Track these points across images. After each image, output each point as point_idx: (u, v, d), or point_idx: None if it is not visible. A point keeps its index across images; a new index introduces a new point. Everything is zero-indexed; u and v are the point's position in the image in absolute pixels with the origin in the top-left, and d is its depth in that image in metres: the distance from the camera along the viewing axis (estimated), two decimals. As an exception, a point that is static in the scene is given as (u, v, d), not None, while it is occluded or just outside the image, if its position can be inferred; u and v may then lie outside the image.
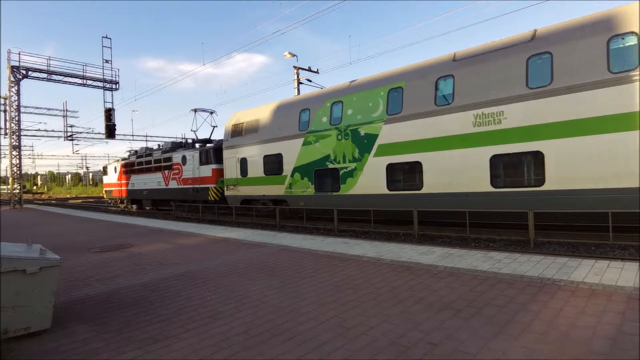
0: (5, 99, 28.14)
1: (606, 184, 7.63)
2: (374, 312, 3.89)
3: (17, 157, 25.63)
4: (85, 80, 26.10)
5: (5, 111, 28.98)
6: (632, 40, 7.50)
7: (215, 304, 4.38)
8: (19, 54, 23.96)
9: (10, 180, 26.68)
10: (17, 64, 23.93)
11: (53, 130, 39.46)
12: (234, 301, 4.45)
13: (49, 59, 24.80)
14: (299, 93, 22.13)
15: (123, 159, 27.04)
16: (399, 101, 10.72)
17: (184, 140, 22.92)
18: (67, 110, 38.70)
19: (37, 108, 37.39)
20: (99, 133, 40.15)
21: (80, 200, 43.99)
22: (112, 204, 29.80)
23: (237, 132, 15.87)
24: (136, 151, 26.61)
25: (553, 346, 2.97)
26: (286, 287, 4.94)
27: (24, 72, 24.40)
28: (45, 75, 24.95)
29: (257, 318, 3.86)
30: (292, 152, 13.44)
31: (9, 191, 26.10)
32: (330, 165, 12.28)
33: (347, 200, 11.88)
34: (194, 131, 21.84)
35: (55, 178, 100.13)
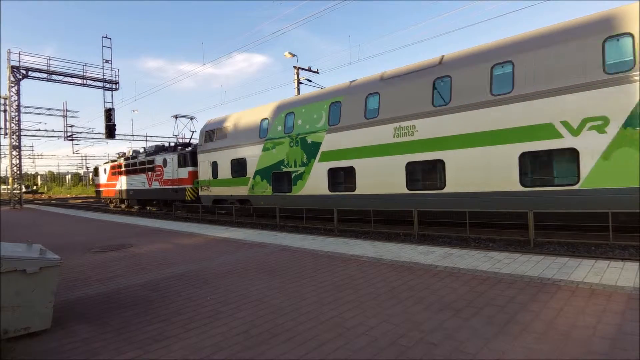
0: (5, 99, 28.16)
1: (488, 188, 9.19)
2: (374, 312, 3.89)
3: (17, 157, 25.63)
4: (85, 80, 26.11)
5: (5, 111, 29.04)
6: (509, 68, 9.03)
7: (215, 304, 4.38)
8: (19, 54, 23.98)
9: (10, 180, 26.69)
10: (17, 64, 23.93)
11: (53, 130, 39.47)
12: (234, 301, 4.45)
13: (49, 59, 24.83)
14: (299, 93, 22.13)
15: (112, 161, 28.53)
16: (338, 114, 12.21)
17: (168, 144, 24.49)
18: (67, 110, 38.73)
19: (37, 108, 37.44)
20: (99, 133, 40.18)
21: (80, 200, 43.99)
22: (105, 203, 30.17)
23: (210, 137, 17.26)
24: (124, 153, 28.25)
25: (553, 346, 2.97)
26: (286, 287, 4.94)
27: (24, 72, 24.40)
28: (45, 75, 24.96)
29: (257, 318, 3.86)
30: (254, 157, 14.93)
31: (9, 191, 26.14)
32: (284, 169, 13.73)
33: (297, 200, 13.32)
34: (176, 135, 24.34)
35: (55, 178, 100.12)
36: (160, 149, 23.37)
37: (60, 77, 25.49)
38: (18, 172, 25.94)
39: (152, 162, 22.36)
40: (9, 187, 26.87)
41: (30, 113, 47.20)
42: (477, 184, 9.32)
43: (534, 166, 8.70)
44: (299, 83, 22.48)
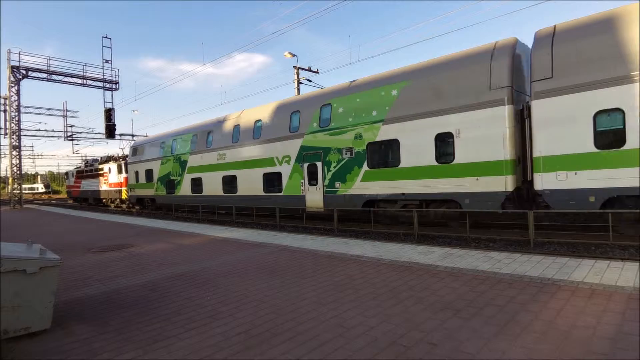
0: (5, 99, 28.16)
1: (254, 193, 15.17)
2: (374, 312, 3.89)
3: (17, 157, 25.63)
4: (85, 80, 26.10)
5: (5, 111, 29.05)
6: (260, 123, 15.14)
7: (215, 304, 4.38)
8: (19, 54, 23.98)
9: (10, 180, 26.70)
10: (17, 63, 23.93)
11: (53, 130, 39.51)
12: (234, 301, 4.45)
13: (49, 59, 24.83)
14: (299, 93, 22.11)
15: (77, 167, 36.48)
16: (195, 143, 18.60)
17: (116, 155, 31.79)
18: (67, 110, 38.77)
19: (37, 108, 37.43)
20: (99, 133, 40.26)
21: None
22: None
23: (134, 153, 23.81)
24: (87, 161, 35.39)
25: (553, 346, 2.97)
26: (286, 287, 4.94)
27: (24, 72, 24.39)
28: (45, 75, 24.95)
29: (257, 318, 3.86)
30: (157, 169, 21.37)
31: (14, 190, 26.26)
32: (171, 178, 20.11)
33: (178, 199, 19.77)
34: (122, 149, 31.47)
35: (55, 178, 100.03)
36: (110, 159, 30.13)
37: (60, 77, 25.49)
38: (18, 172, 25.93)
39: (102, 169, 29.43)
40: (11, 186, 26.88)
41: (30, 113, 47.26)
42: (248, 190, 15.48)
43: (269, 181, 14.56)
44: (299, 83, 22.47)
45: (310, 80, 22.88)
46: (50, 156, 78.34)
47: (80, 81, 26.10)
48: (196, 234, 10.41)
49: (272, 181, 14.38)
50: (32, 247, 3.94)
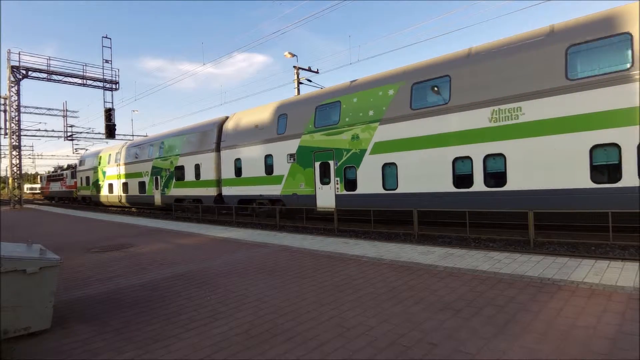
0: (5, 99, 28.16)
1: (136, 193, 23.58)
2: (374, 312, 3.89)
3: (17, 157, 25.64)
4: (85, 80, 26.11)
5: (5, 111, 29.06)
6: (140, 150, 23.58)
7: (215, 304, 4.38)
8: (19, 54, 23.97)
9: (10, 180, 26.72)
10: (17, 64, 23.92)
11: (53, 130, 39.59)
12: (234, 301, 4.45)
13: (49, 59, 24.83)
14: (299, 93, 22.12)
15: (47, 173, 46.27)
16: (112, 159, 26.27)
17: (75, 164, 38.07)
18: (67, 110, 38.84)
19: (37, 108, 37.50)
20: (99, 133, 40.38)
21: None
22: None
23: (82, 163, 32.15)
24: (55, 168, 45.18)
25: (553, 346, 2.97)
26: (286, 287, 4.94)
27: (24, 72, 24.39)
28: (45, 75, 24.95)
29: (257, 318, 3.86)
30: (91, 176, 29.70)
31: (14, 191, 26.32)
32: (99, 183, 28.19)
33: (103, 197, 27.56)
34: (79, 159, 36.27)
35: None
36: (70, 167, 37.78)
37: (60, 77, 25.50)
38: (18, 172, 25.94)
39: (62, 174, 38.03)
40: (11, 187, 26.91)
41: (30, 113, 47.23)
42: (133, 192, 23.45)
43: (141, 186, 22.69)
44: (299, 83, 22.46)
45: (310, 80, 22.88)
46: (50, 156, 77.65)
47: (80, 81, 26.11)
48: (196, 234, 10.40)
49: (142, 186, 22.72)
50: (32, 247, 3.94)
